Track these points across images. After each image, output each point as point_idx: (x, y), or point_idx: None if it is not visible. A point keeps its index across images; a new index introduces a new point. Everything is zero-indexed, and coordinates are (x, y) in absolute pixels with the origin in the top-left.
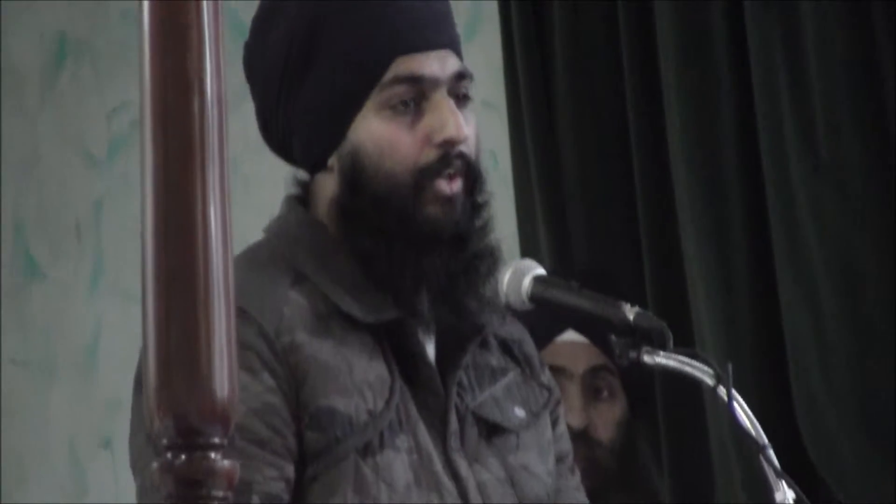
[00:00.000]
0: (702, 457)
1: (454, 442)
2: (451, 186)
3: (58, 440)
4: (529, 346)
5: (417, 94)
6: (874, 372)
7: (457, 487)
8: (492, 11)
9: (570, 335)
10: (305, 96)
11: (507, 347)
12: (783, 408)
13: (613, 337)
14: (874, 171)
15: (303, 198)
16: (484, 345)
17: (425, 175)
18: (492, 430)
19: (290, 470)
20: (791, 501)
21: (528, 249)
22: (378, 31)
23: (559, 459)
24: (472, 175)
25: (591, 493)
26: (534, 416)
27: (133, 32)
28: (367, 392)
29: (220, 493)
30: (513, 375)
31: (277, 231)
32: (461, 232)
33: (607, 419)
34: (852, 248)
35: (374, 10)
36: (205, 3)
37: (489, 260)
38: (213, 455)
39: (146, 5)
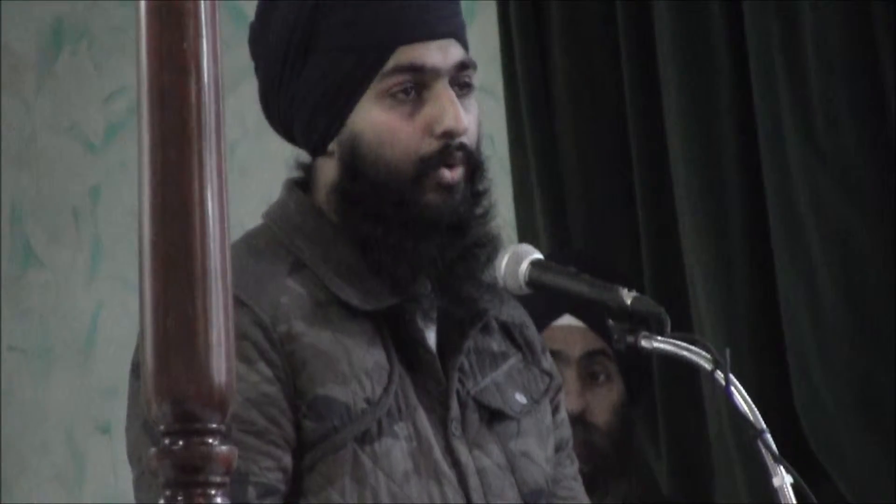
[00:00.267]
0: (699, 441)
1: (455, 428)
2: (451, 174)
3: (56, 427)
4: (531, 330)
5: (418, 84)
6: (872, 357)
7: (456, 474)
8: None
9: (567, 319)
10: (306, 80)
11: (508, 332)
12: (781, 392)
13: (611, 321)
14: (872, 160)
15: (303, 182)
16: (485, 329)
17: (426, 165)
18: (493, 416)
19: (287, 460)
20: (789, 486)
21: (526, 234)
22: (381, 19)
23: (559, 447)
24: (473, 164)
25: (587, 478)
26: (534, 402)
27: (130, 17)
28: (364, 380)
29: (218, 479)
30: (514, 361)
31: (276, 217)
32: (460, 219)
33: (604, 404)
34: (850, 235)
35: None
36: None
37: (489, 247)
38: (210, 440)
39: None
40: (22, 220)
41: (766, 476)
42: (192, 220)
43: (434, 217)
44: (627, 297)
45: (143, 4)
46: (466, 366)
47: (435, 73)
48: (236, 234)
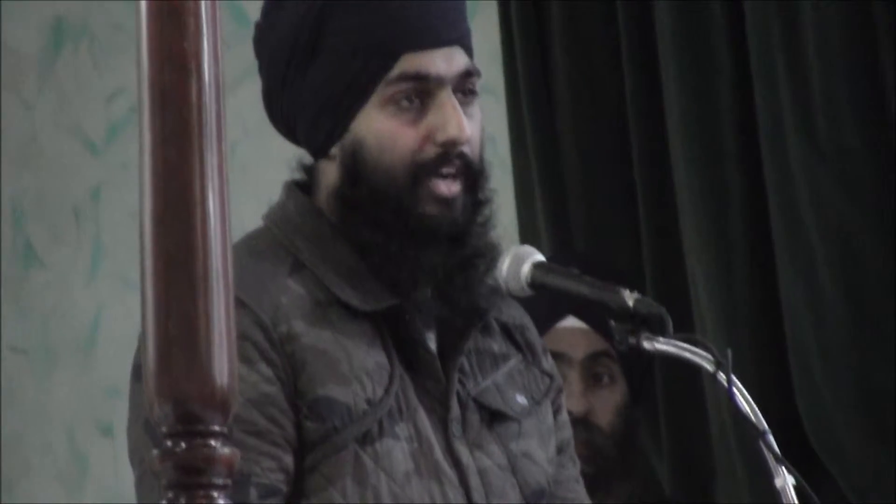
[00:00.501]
0: (701, 441)
1: (456, 429)
2: (449, 188)
3: (58, 427)
4: (532, 332)
5: (422, 92)
6: (874, 357)
7: (457, 474)
8: None
9: (571, 321)
10: (311, 82)
11: (509, 333)
12: (782, 392)
13: (613, 323)
14: (873, 160)
15: (303, 184)
16: (486, 330)
17: (422, 171)
18: (493, 417)
19: (288, 460)
20: (791, 486)
21: (527, 234)
22: (387, 24)
23: (560, 449)
24: (473, 174)
25: (590, 479)
26: (535, 403)
27: (131, 16)
28: (365, 380)
29: (220, 481)
30: (514, 362)
31: (277, 218)
32: (460, 230)
33: (607, 405)
34: (851, 234)
35: (384, 2)
36: None
37: (488, 257)
38: (212, 442)
39: None
40: (23, 220)
41: (768, 476)
42: (193, 220)
43: (433, 227)
44: (629, 298)
45: (143, 3)
46: (467, 366)
47: (439, 82)
48: (237, 234)
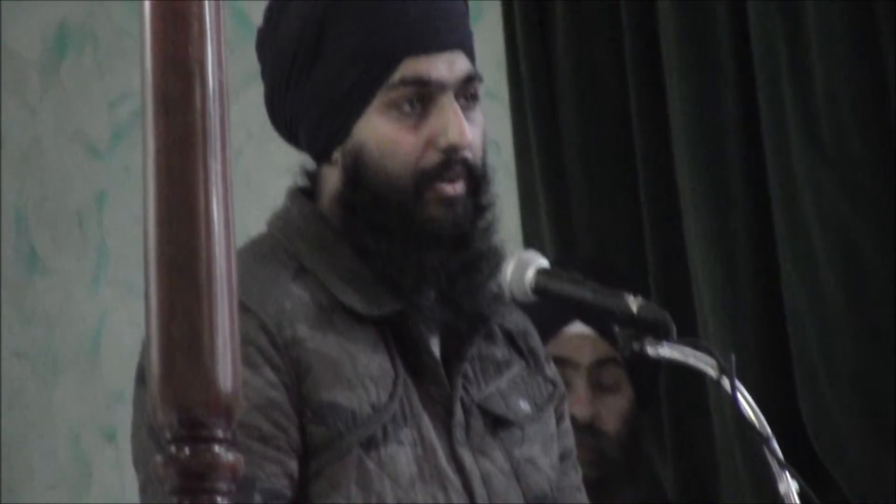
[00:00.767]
0: (705, 446)
1: (459, 434)
2: (453, 188)
3: (62, 433)
4: (534, 338)
5: (424, 96)
6: (878, 363)
7: (461, 480)
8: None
9: (578, 327)
10: (313, 87)
11: (512, 339)
12: (786, 397)
13: (617, 328)
14: (878, 166)
15: (307, 189)
16: (489, 337)
17: (426, 177)
18: (497, 423)
19: (293, 465)
20: (794, 492)
21: (531, 239)
22: (388, 30)
23: (563, 456)
24: (475, 179)
25: (596, 485)
26: (538, 409)
27: (135, 21)
28: (370, 385)
29: (225, 486)
30: (518, 368)
31: (280, 224)
32: (463, 233)
33: (614, 411)
34: (854, 238)
35: (386, 5)
36: None
37: (492, 261)
38: (217, 448)
39: None
40: (27, 226)
41: (772, 481)
42: (197, 225)
43: (436, 230)
44: (633, 303)
45: (147, 8)
46: (470, 373)
47: (441, 87)
48: (241, 239)
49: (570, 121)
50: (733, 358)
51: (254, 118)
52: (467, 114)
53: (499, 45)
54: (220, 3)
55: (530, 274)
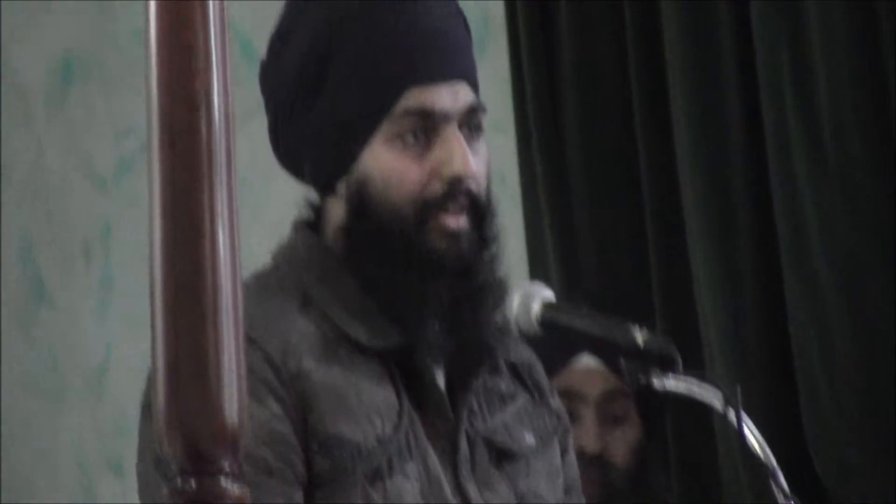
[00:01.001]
0: (710, 473)
1: (465, 467)
2: (456, 221)
3: (67, 464)
4: (539, 371)
5: (427, 127)
6: (883, 387)
7: None
8: (500, 32)
9: (586, 359)
10: (315, 120)
11: (516, 372)
12: (791, 423)
13: (623, 360)
14: (880, 174)
15: (312, 222)
16: (494, 369)
17: (429, 208)
18: (502, 456)
19: (298, 498)
20: None
21: (537, 270)
22: (392, 59)
23: (568, 488)
24: (479, 210)
25: None
26: (543, 442)
27: (142, 51)
28: (375, 418)
29: None
30: (522, 401)
31: (285, 256)
32: (466, 265)
33: (623, 444)
34: (859, 260)
35: (389, 36)
36: (212, 21)
37: (496, 292)
38: (223, 480)
39: (153, 23)
40: (32, 256)
41: None
42: (203, 256)
43: (439, 262)
44: (639, 336)
45: (153, 40)
46: (475, 405)
47: (444, 117)
48: (247, 270)
49: (575, 153)
50: (739, 390)
51: (260, 149)
52: (471, 145)
53: (505, 77)
54: (227, 34)
55: (536, 306)
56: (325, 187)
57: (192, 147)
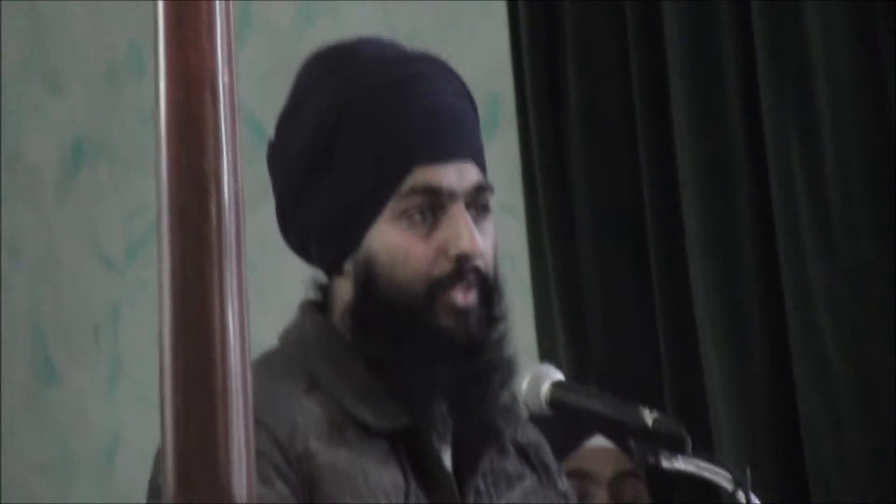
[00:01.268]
0: None
1: None
2: (465, 298)
3: None
4: (547, 452)
5: (434, 205)
6: (893, 469)
7: None
8: (509, 113)
9: (598, 440)
10: (322, 199)
11: (524, 453)
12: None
13: (632, 441)
14: (888, 251)
15: (319, 303)
16: (501, 450)
17: (438, 287)
18: None
19: None
20: None
21: (547, 353)
22: (398, 139)
23: None
24: (487, 288)
25: None
26: None
27: (150, 135)
28: (382, 499)
29: None
30: (530, 482)
31: (292, 337)
32: (474, 343)
33: None
34: (867, 334)
35: (396, 115)
36: (221, 101)
37: (504, 371)
38: None
39: (163, 104)
40: (42, 338)
41: None
42: (212, 338)
43: (447, 340)
44: (648, 417)
45: (162, 122)
46: (482, 486)
47: (451, 195)
48: (256, 351)
49: (586, 235)
50: (748, 471)
51: (270, 231)
52: (478, 224)
53: (515, 159)
54: (236, 114)
55: (545, 387)
56: (332, 267)
57: (202, 229)
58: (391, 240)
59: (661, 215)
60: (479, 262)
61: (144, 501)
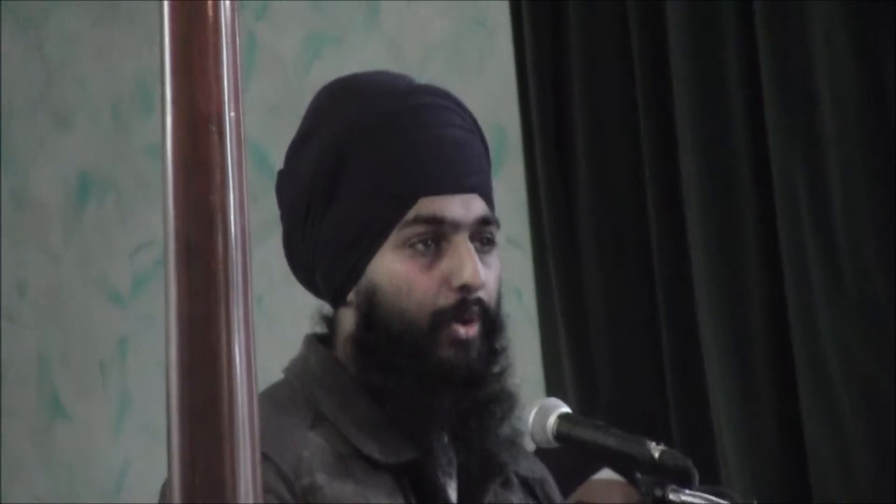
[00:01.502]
0: None
1: None
2: (467, 330)
3: None
4: (551, 485)
5: (438, 236)
6: None
7: None
8: (516, 148)
9: (607, 473)
10: (327, 227)
11: (528, 487)
12: None
13: (639, 474)
14: None
15: (323, 336)
16: (505, 484)
17: (441, 318)
18: None
19: None
20: None
21: (553, 386)
22: (405, 169)
23: None
24: (490, 321)
25: None
26: None
27: (157, 170)
28: None
29: None
30: None
31: (297, 371)
32: (475, 375)
33: None
34: (875, 376)
35: (402, 145)
36: (228, 136)
37: (505, 404)
38: None
39: (169, 139)
40: (49, 372)
41: None
42: (219, 372)
43: (447, 371)
44: (655, 450)
45: (169, 157)
46: None
47: (455, 226)
48: (262, 385)
49: (592, 268)
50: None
51: (276, 264)
52: (483, 257)
53: (520, 192)
54: (242, 148)
55: (552, 420)
56: (337, 297)
57: (208, 263)
58: (394, 269)
59: (666, 249)
60: (482, 294)
61: None
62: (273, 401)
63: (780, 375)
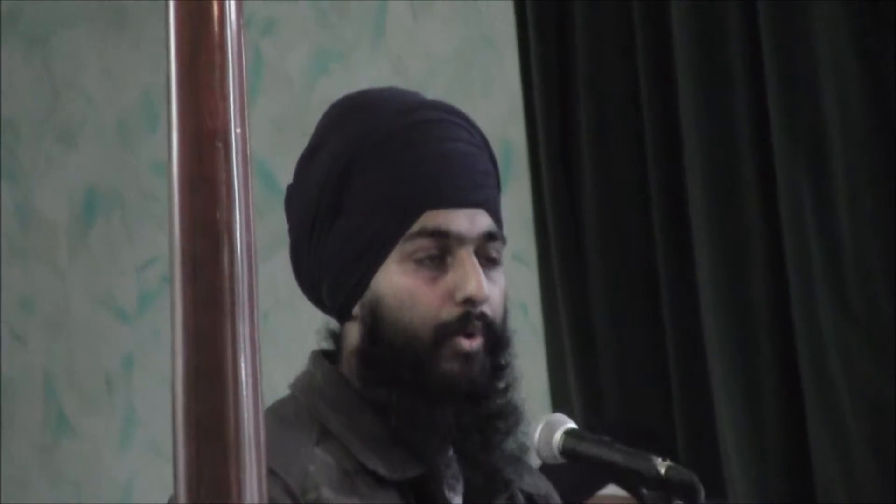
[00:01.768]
0: None
1: None
2: (470, 344)
3: None
4: (556, 502)
5: (443, 249)
6: None
7: None
8: (522, 164)
9: (612, 489)
10: (334, 241)
11: (533, 503)
12: None
13: (644, 490)
14: None
15: (329, 352)
16: (510, 500)
17: (445, 331)
18: None
19: None
20: None
21: (559, 401)
22: (411, 183)
23: None
24: (494, 336)
25: None
26: None
27: (162, 186)
28: None
29: None
30: None
31: (303, 387)
32: (477, 389)
33: None
34: (882, 398)
35: (409, 159)
36: (234, 153)
37: (510, 419)
38: None
39: (175, 156)
40: (55, 389)
41: None
42: (225, 388)
43: (450, 385)
44: (661, 465)
45: (175, 173)
46: None
47: (460, 240)
48: (269, 402)
49: (598, 284)
50: None
51: (282, 281)
52: (488, 273)
53: (526, 208)
54: (248, 166)
55: (558, 436)
56: (342, 312)
57: (214, 280)
58: (398, 282)
59: (673, 265)
60: (486, 309)
61: None
62: (279, 416)
63: (784, 378)
